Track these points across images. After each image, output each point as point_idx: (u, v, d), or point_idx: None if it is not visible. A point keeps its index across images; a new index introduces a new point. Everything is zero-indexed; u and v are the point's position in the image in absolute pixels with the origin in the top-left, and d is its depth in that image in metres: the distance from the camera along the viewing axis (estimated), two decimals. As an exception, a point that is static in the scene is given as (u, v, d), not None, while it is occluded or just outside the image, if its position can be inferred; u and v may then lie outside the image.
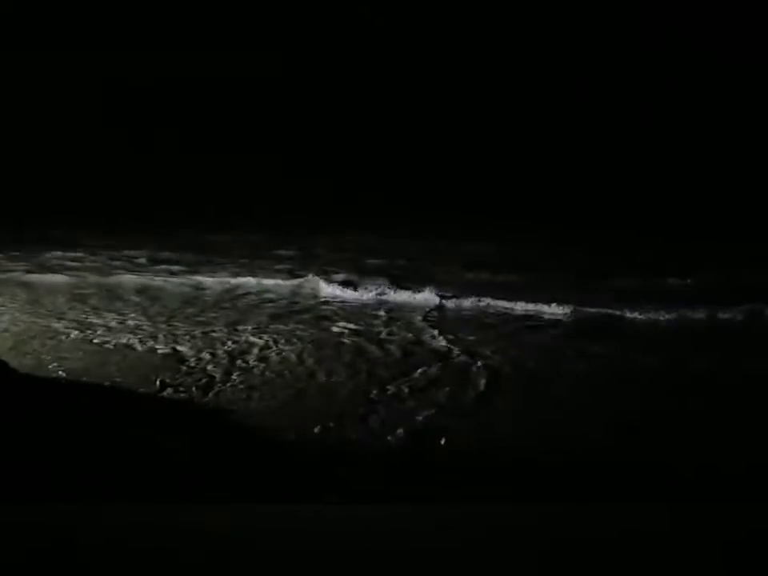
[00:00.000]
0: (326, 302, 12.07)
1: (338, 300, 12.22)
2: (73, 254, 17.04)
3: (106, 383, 7.80)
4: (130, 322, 10.77)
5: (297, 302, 12.15)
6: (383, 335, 10.17)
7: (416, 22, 24.40)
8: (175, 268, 15.31)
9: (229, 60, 24.74)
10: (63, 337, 9.87)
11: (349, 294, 12.50)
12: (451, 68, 24.49)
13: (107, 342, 9.60)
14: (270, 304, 12.00)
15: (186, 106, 25.36)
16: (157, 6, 24.36)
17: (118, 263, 15.99)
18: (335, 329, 10.48)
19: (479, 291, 12.08)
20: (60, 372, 8.25)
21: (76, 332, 10.09)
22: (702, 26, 22.36)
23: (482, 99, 24.03)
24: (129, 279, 14.14)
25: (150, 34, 24.15)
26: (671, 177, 20.61)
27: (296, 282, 13.24)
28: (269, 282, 13.53)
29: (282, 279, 13.62)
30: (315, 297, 12.42)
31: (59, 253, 17.30)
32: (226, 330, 10.18)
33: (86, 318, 10.92)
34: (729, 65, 22.14)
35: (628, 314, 10.88)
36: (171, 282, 13.81)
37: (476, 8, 24.26)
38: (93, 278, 14.32)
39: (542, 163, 22.83)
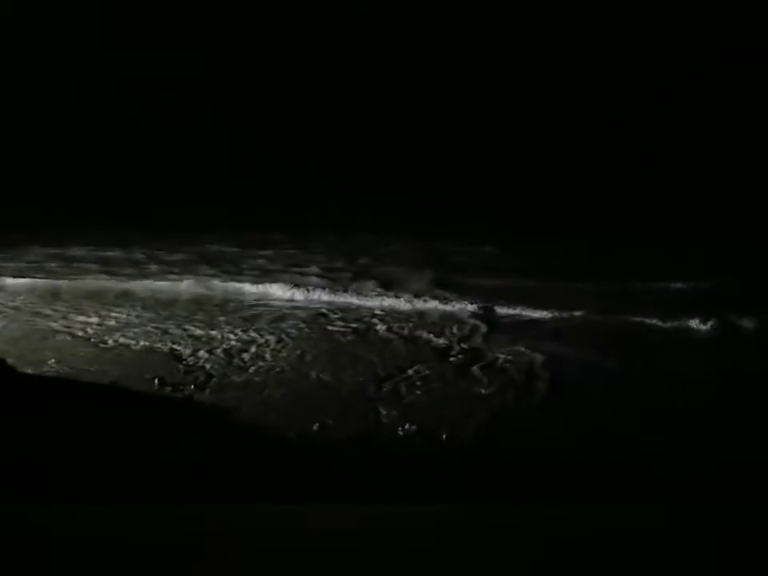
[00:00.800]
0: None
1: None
2: (66, 255, 17.05)
3: (106, 381, 7.80)
4: (127, 321, 10.85)
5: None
6: (382, 332, 10.29)
7: (421, 27, 24.38)
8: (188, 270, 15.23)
9: (228, 60, 24.74)
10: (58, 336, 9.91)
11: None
12: (451, 71, 24.50)
13: (104, 342, 9.66)
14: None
15: (185, 105, 25.34)
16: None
17: (113, 265, 15.98)
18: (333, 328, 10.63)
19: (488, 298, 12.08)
20: (59, 370, 8.26)
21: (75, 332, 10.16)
22: (702, 26, 22.38)
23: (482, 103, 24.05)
24: (125, 282, 14.14)
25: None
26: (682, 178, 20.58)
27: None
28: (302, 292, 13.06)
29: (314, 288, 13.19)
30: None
31: (55, 252, 17.31)
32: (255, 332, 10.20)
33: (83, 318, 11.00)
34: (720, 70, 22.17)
35: (635, 318, 10.91)
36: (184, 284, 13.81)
37: (474, 9, 24.27)
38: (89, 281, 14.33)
39: (543, 166, 22.81)
